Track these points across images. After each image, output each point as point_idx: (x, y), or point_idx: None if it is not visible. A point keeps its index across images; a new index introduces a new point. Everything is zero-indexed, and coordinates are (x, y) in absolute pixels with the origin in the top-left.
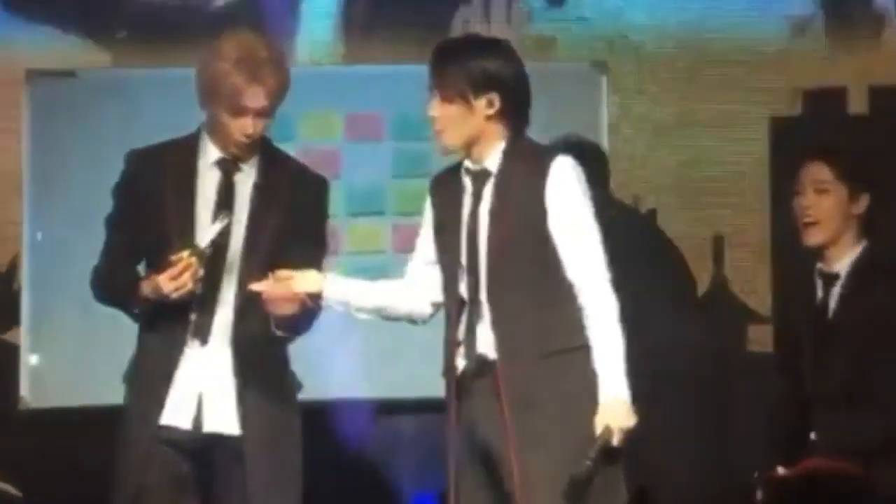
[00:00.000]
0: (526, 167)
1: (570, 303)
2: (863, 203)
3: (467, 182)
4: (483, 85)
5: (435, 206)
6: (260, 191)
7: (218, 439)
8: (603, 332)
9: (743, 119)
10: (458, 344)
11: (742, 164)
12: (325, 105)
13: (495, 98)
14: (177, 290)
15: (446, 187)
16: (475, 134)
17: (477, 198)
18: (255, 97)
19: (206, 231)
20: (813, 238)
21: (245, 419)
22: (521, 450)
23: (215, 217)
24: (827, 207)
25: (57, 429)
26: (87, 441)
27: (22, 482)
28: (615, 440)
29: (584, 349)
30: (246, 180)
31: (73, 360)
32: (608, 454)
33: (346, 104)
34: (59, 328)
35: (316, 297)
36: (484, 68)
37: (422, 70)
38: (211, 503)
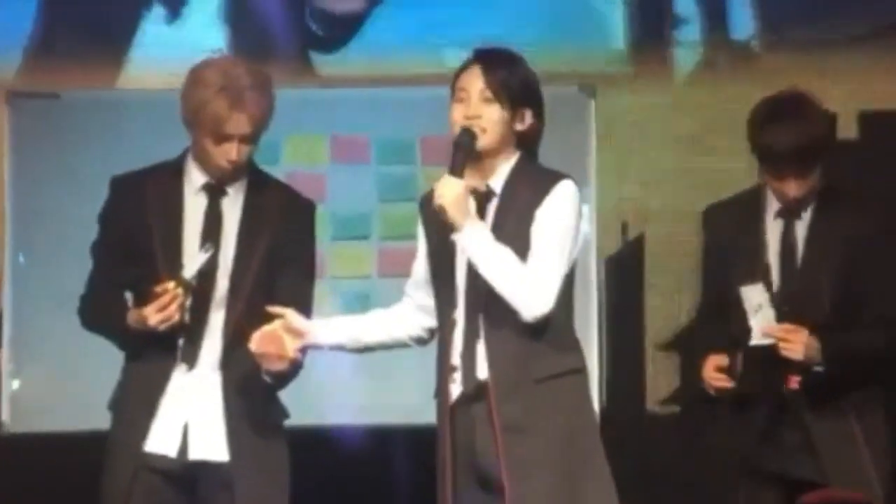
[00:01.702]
0: (530, 188)
1: (562, 327)
2: None
3: (469, 201)
4: (524, 97)
5: (427, 227)
6: (247, 216)
7: (204, 467)
8: (516, 258)
9: (732, 142)
10: (454, 369)
11: (731, 190)
12: (311, 128)
13: (528, 114)
14: (163, 321)
15: None
16: (501, 143)
17: (480, 218)
18: (238, 124)
19: (193, 258)
20: None
21: (233, 446)
22: (513, 476)
23: (202, 245)
24: None
25: (37, 454)
26: (68, 466)
27: None
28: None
29: (575, 373)
30: (233, 205)
31: (54, 385)
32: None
33: (332, 127)
34: (40, 353)
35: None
36: (528, 81)
37: (408, 93)
38: None
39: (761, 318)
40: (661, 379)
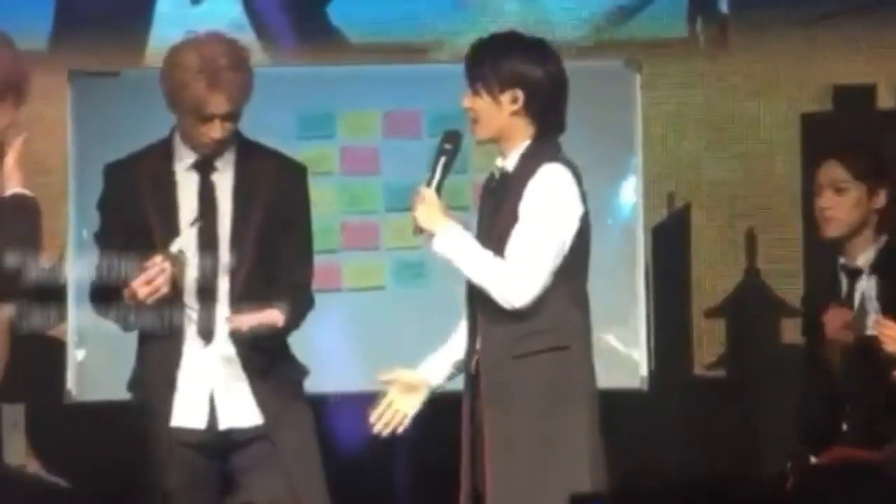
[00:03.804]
0: (528, 171)
1: (554, 304)
2: (882, 198)
3: (495, 181)
4: (508, 80)
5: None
6: (240, 187)
7: (235, 434)
8: (491, 255)
9: (774, 115)
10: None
11: (774, 159)
12: (364, 103)
13: (519, 94)
14: (151, 294)
15: (485, 187)
16: (502, 128)
17: (498, 198)
18: (218, 104)
19: (189, 235)
20: (832, 231)
21: (262, 408)
22: (493, 450)
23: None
24: (846, 205)
25: (102, 421)
26: (132, 433)
27: (69, 474)
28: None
29: (559, 350)
30: (225, 178)
31: (117, 354)
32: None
33: (384, 102)
34: (104, 324)
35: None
36: (510, 64)
37: (460, 69)
38: (234, 497)
39: (871, 309)
40: (707, 344)
